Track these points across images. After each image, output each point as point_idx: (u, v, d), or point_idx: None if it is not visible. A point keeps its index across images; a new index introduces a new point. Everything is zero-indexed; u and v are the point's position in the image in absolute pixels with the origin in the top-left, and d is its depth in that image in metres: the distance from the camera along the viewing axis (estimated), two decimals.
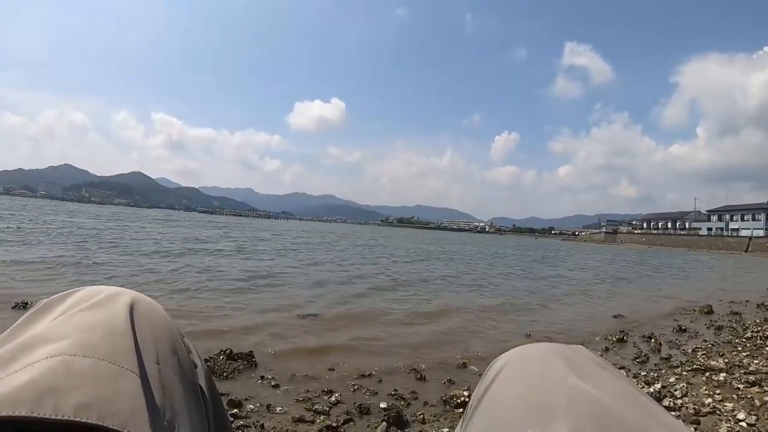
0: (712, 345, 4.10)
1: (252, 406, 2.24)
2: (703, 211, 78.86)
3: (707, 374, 3.09)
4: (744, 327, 5.01)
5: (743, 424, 2.20)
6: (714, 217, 73.10)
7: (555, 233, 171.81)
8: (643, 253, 36.74)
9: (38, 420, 0.25)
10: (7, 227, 12.62)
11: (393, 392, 2.56)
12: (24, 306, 3.73)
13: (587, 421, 0.34)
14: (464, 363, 3.23)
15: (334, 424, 2.08)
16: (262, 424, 2.04)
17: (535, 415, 0.36)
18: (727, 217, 69.64)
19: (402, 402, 2.45)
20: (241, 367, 2.76)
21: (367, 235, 37.92)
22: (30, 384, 0.27)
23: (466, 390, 2.56)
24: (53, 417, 0.25)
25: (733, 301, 7.48)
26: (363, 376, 2.83)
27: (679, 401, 2.52)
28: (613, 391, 0.38)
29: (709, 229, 71.05)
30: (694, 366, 3.29)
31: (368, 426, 2.13)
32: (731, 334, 4.62)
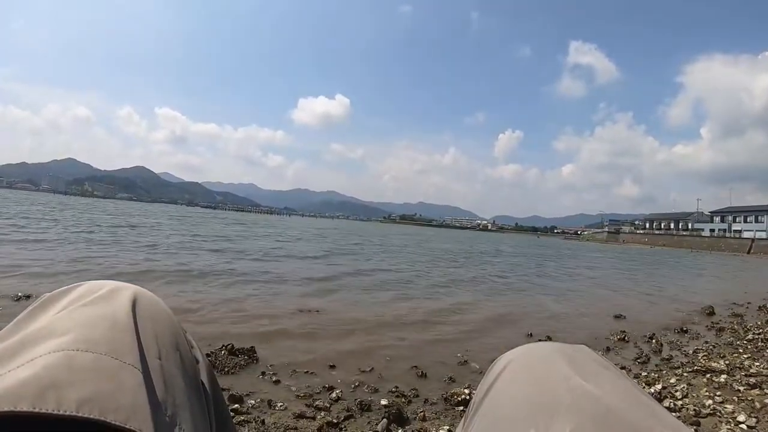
0: (713, 346, 4.09)
1: (253, 402, 2.24)
2: (706, 212, 78.61)
3: (708, 376, 3.08)
4: (745, 329, 5.00)
5: (743, 426, 2.20)
6: (717, 219, 72.85)
7: (557, 232, 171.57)
8: (645, 254, 36.66)
9: (40, 415, 0.25)
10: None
11: (394, 389, 2.57)
12: (26, 300, 3.75)
13: (590, 420, 0.34)
14: (465, 360, 3.23)
15: (335, 421, 2.09)
16: (263, 420, 2.04)
17: (537, 414, 0.36)
18: (730, 218, 69.39)
19: (403, 399, 2.45)
20: (242, 363, 2.77)
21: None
22: (32, 379, 0.27)
23: (466, 388, 2.56)
24: (55, 412, 0.25)
25: (734, 303, 7.45)
26: (364, 372, 2.84)
27: (680, 402, 2.52)
28: (616, 390, 0.38)
29: (712, 230, 70.81)
30: (695, 367, 3.28)
31: (369, 423, 2.14)
32: (732, 336, 4.61)
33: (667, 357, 3.66)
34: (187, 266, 6.82)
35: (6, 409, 0.24)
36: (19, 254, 6.51)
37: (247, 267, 7.49)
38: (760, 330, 4.91)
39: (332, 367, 2.89)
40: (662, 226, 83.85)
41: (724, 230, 68.50)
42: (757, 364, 3.39)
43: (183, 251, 9.00)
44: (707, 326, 5.19)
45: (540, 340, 3.00)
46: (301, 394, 2.40)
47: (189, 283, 5.46)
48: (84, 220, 16.44)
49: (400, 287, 6.79)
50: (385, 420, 2.11)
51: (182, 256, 8.22)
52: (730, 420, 2.28)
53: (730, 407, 2.45)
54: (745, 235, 62.23)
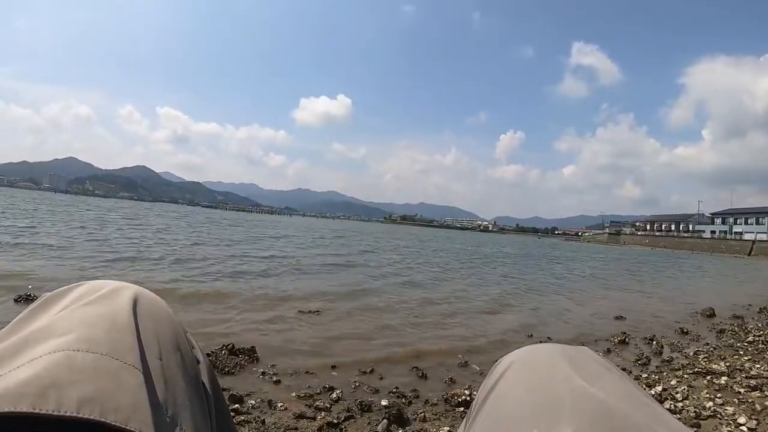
0: (714, 348, 4.09)
1: (253, 402, 2.24)
2: (707, 214, 78.54)
3: (708, 377, 3.08)
4: (746, 331, 4.99)
5: (744, 428, 2.19)
6: (718, 220, 72.77)
7: (558, 233, 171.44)
8: (645, 255, 36.61)
9: (41, 416, 0.25)
10: None
11: (394, 390, 2.57)
12: (27, 299, 3.75)
13: (591, 421, 0.34)
14: (465, 362, 3.23)
15: (335, 421, 2.09)
16: (263, 420, 2.04)
17: (539, 415, 0.36)
18: (731, 220, 69.30)
19: (403, 400, 2.45)
20: (242, 363, 2.77)
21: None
22: (33, 379, 0.27)
23: (467, 389, 2.56)
24: (56, 413, 0.25)
25: (735, 305, 7.44)
26: (364, 373, 2.84)
27: (680, 404, 2.52)
28: (617, 392, 0.38)
29: (713, 232, 70.71)
30: (696, 369, 3.27)
31: (369, 423, 2.13)
32: (733, 338, 4.60)
33: (667, 359, 3.66)
34: (215, 277, 6.10)
35: (6, 409, 0.24)
36: (30, 260, 6.14)
37: (287, 282, 6.33)
38: (761, 332, 4.90)
39: (332, 366, 2.89)
40: (663, 228, 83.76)
41: (725, 232, 68.38)
42: (758, 366, 3.38)
43: (207, 258, 8.16)
44: (708, 328, 5.18)
45: (541, 341, 3.00)
46: (302, 394, 2.40)
47: (218, 299, 4.69)
48: (89, 221, 16.40)
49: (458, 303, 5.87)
50: (385, 420, 2.11)
51: (208, 264, 7.39)
52: (731, 422, 2.28)
53: (730, 409, 2.44)
54: (746, 237, 62.13)
